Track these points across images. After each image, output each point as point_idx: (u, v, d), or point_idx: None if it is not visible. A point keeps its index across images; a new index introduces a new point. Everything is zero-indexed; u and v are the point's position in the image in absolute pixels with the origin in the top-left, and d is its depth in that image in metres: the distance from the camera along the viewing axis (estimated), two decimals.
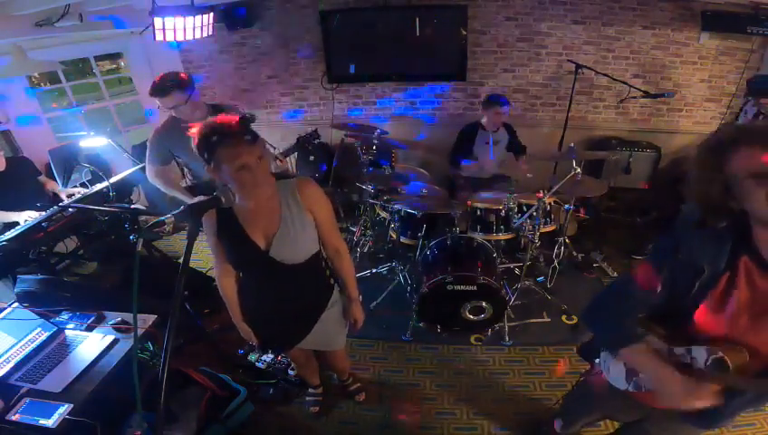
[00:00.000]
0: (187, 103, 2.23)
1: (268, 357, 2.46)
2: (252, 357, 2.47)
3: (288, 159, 2.87)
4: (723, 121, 3.91)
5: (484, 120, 3.33)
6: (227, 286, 1.60)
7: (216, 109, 2.39)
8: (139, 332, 1.90)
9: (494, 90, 4.04)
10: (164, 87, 2.17)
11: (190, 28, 3.12)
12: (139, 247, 1.04)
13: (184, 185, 2.59)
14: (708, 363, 1.02)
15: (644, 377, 1.16)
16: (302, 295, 1.61)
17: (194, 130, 1.28)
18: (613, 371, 1.28)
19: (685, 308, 1.08)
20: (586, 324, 1.30)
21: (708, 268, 1.01)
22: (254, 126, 1.31)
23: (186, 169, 2.63)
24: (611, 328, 1.18)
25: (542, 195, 2.61)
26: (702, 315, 1.05)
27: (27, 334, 1.84)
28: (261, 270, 1.52)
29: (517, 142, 3.45)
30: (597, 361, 1.38)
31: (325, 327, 1.72)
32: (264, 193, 1.37)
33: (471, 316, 2.56)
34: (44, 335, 1.86)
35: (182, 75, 2.23)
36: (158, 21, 2.96)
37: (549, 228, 2.88)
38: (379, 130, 3.58)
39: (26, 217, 2.57)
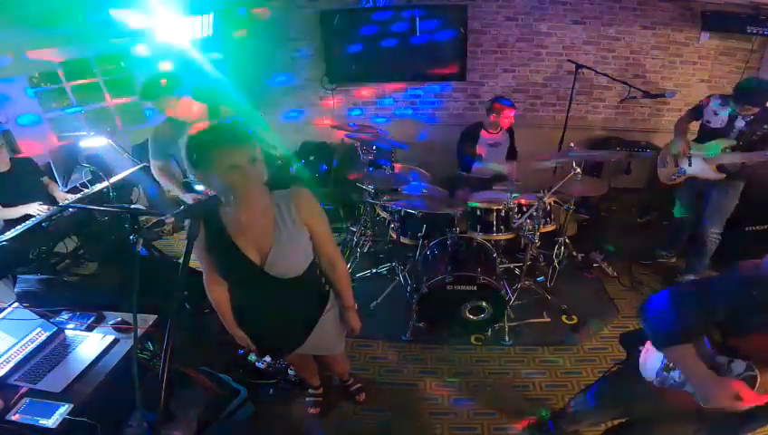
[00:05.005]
0: (178, 105, 2.23)
1: (268, 357, 2.46)
2: (252, 357, 2.47)
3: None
4: None
5: (487, 122, 3.33)
6: (218, 296, 1.54)
7: (214, 111, 2.40)
8: (139, 332, 1.90)
9: (493, 90, 4.04)
10: (150, 90, 2.18)
11: (190, 28, 3.13)
12: (139, 247, 1.04)
13: (185, 180, 2.61)
14: (740, 377, 1.08)
15: (682, 376, 1.21)
16: (297, 305, 1.59)
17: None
18: (650, 360, 1.32)
19: (743, 329, 1.11)
20: (642, 316, 1.31)
21: None
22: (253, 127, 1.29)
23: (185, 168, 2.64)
24: (670, 324, 1.20)
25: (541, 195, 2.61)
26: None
27: (27, 334, 1.84)
28: (255, 284, 1.46)
29: (513, 146, 3.47)
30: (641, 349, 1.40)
31: (323, 333, 1.70)
32: (256, 200, 1.32)
33: (471, 316, 2.56)
34: (44, 335, 1.86)
35: (168, 77, 2.24)
36: (158, 21, 2.97)
37: (549, 228, 2.88)
38: (379, 130, 3.60)
39: (35, 209, 2.58)
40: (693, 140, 2.79)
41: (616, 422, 1.82)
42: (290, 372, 2.40)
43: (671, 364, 1.25)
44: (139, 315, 1.38)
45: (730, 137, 2.58)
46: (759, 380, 1.06)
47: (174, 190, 2.52)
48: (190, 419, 1.93)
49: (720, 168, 2.64)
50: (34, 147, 3.42)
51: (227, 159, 1.17)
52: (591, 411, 1.83)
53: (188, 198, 2.52)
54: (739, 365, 1.10)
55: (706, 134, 2.70)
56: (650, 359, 1.32)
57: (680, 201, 3.11)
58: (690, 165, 2.79)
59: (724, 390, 1.08)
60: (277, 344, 1.75)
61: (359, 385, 2.35)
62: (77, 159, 2.94)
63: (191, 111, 2.31)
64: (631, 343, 1.48)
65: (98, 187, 2.91)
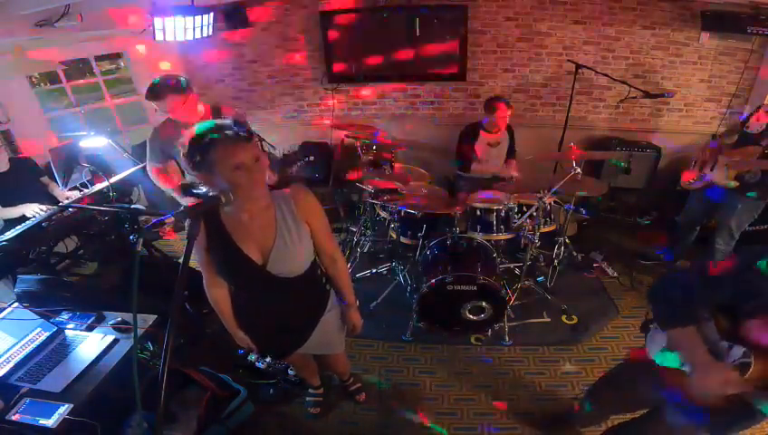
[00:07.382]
0: (184, 106, 2.22)
1: (268, 357, 2.46)
2: (252, 357, 2.47)
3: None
4: (724, 121, 3.92)
5: (486, 122, 3.32)
6: (219, 297, 1.53)
7: (217, 111, 2.40)
8: (139, 332, 1.90)
9: (493, 90, 4.04)
10: (158, 90, 2.17)
11: (190, 28, 3.12)
12: (139, 247, 1.03)
13: (184, 182, 2.60)
14: (736, 362, 1.11)
15: (681, 356, 1.23)
16: (299, 305, 1.59)
17: (183, 139, 1.21)
18: (655, 340, 1.36)
19: (745, 313, 1.13)
20: (651, 298, 1.34)
21: None
22: (253, 127, 1.29)
23: (184, 170, 2.64)
24: (677, 305, 1.23)
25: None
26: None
27: (27, 334, 1.84)
28: (256, 284, 1.46)
29: (512, 145, 3.46)
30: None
31: (324, 332, 1.70)
32: (258, 199, 1.33)
33: (471, 316, 2.56)
34: (44, 335, 1.86)
35: (177, 78, 2.23)
36: (158, 21, 2.97)
37: (549, 228, 2.88)
38: (379, 130, 3.60)
39: (33, 211, 2.58)
40: (730, 145, 2.69)
41: (616, 422, 1.82)
42: (290, 371, 2.40)
43: (672, 346, 1.27)
44: (139, 315, 1.38)
45: (761, 144, 2.51)
46: (752, 367, 1.07)
47: (172, 193, 2.51)
48: (190, 419, 1.94)
49: (738, 177, 2.58)
50: (34, 147, 3.42)
51: (232, 158, 1.17)
52: (594, 409, 1.84)
53: (186, 202, 2.51)
54: (737, 351, 1.12)
55: (743, 139, 2.63)
56: (657, 338, 1.36)
57: (689, 206, 3.07)
58: (712, 170, 2.73)
59: (718, 374, 1.11)
60: (279, 345, 1.74)
61: (359, 385, 2.35)
62: (77, 159, 2.93)
63: (196, 112, 2.30)
64: (647, 326, 1.51)
65: (98, 187, 2.91)
